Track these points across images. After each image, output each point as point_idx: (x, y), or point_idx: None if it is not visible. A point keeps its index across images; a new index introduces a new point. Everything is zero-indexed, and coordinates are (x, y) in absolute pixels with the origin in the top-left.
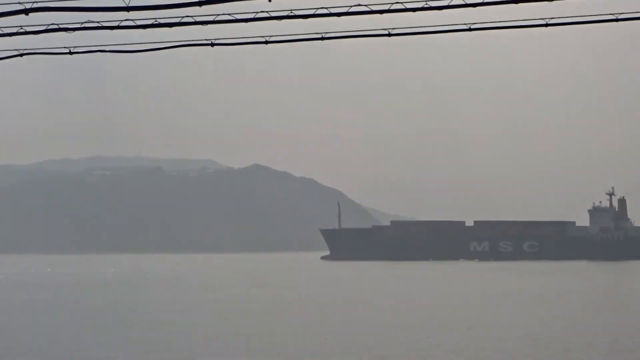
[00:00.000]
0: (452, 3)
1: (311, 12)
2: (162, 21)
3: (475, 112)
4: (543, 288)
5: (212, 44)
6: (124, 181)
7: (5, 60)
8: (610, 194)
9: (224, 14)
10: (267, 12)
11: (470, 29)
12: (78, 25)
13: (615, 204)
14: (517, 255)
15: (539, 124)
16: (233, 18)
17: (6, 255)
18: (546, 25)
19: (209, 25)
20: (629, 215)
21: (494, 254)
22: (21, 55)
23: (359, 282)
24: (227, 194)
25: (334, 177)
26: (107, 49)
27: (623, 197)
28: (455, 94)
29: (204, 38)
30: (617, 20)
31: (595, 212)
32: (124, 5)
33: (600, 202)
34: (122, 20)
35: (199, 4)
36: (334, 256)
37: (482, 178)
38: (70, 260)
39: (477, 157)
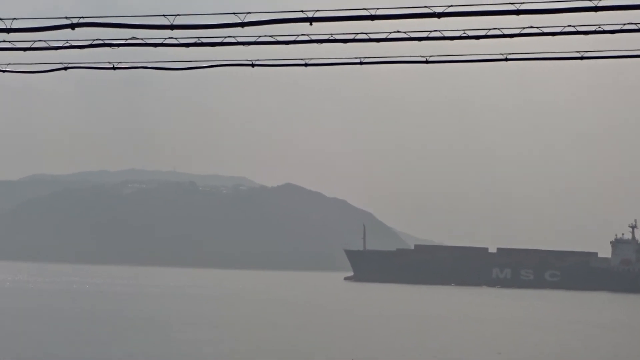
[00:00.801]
0: (490, 33)
1: (351, 36)
2: (204, 40)
3: (505, 141)
4: (563, 317)
5: (253, 65)
6: (159, 195)
7: (50, 73)
8: (633, 227)
9: (265, 36)
10: (307, 35)
11: (506, 59)
12: (122, 42)
13: (638, 236)
14: (538, 283)
15: (566, 154)
16: (274, 40)
17: (41, 263)
18: (581, 58)
19: (250, 46)
20: None
21: (516, 282)
22: (65, 69)
23: (376, 303)
24: (259, 211)
25: (366, 199)
26: (150, 66)
27: None
28: (487, 124)
29: (245, 58)
30: None
31: (617, 244)
32: (169, 23)
33: (623, 234)
34: (165, 38)
35: (241, 25)
36: (357, 277)
37: (508, 205)
38: (102, 271)
39: (505, 185)
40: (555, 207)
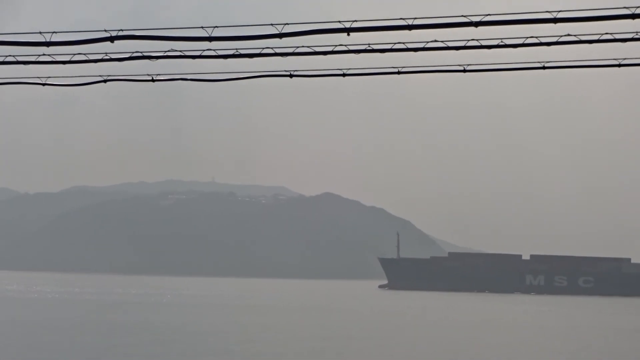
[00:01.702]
0: (527, 42)
1: (388, 46)
2: (242, 52)
3: (542, 146)
4: (596, 323)
5: (291, 75)
6: (198, 205)
7: (90, 85)
8: None
9: (303, 46)
10: (345, 45)
11: (544, 67)
12: (161, 54)
13: None
14: (572, 290)
15: (598, 161)
16: (312, 50)
17: (81, 274)
18: (619, 65)
19: (289, 57)
20: None
21: (549, 288)
22: (105, 81)
23: (405, 310)
24: (298, 221)
25: (404, 208)
26: (189, 77)
27: None
28: (523, 129)
29: (283, 69)
30: None
31: None
32: (207, 35)
33: None
34: (204, 50)
35: (279, 36)
36: (391, 285)
37: (544, 210)
38: (143, 282)
39: (541, 190)
40: (589, 212)
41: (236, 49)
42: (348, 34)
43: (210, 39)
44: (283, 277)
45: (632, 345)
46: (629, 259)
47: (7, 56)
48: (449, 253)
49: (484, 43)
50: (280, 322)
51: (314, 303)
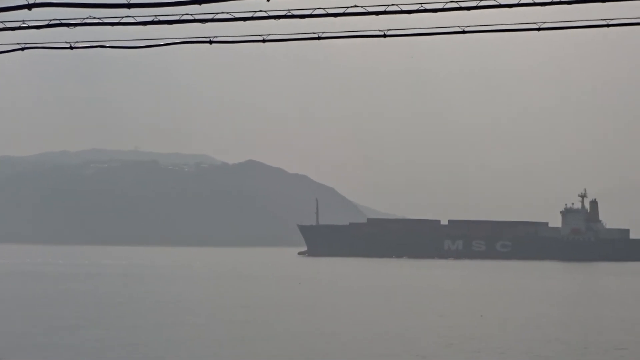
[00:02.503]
0: (447, 6)
1: (308, 12)
2: (162, 18)
3: (457, 113)
4: (512, 286)
5: (211, 42)
6: (121, 174)
7: (7, 53)
8: (583, 196)
9: (222, 13)
10: (265, 11)
11: (464, 32)
12: (80, 21)
13: (587, 205)
14: (490, 254)
15: (516, 126)
16: (232, 17)
17: (4, 245)
18: (539, 29)
19: (208, 23)
20: (601, 217)
21: (468, 253)
22: (22, 49)
23: (320, 277)
24: (221, 188)
25: (328, 174)
26: (107, 45)
27: (595, 199)
28: (445, 96)
29: (202, 35)
30: (607, 25)
31: (567, 213)
32: (126, 2)
33: (573, 203)
34: (123, 17)
35: (199, 2)
36: (311, 252)
37: (464, 176)
38: (66, 252)
39: (462, 156)
40: (505, 178)
41: (155, 15)
42: (268, 0)
43: (129, 5)
44: (205, 245)
45: (546, 308)
46: (547, 223)
47: None
48: (368, 219)
49: (404, 8)
50: (198, 291)
51: (231, 271)
